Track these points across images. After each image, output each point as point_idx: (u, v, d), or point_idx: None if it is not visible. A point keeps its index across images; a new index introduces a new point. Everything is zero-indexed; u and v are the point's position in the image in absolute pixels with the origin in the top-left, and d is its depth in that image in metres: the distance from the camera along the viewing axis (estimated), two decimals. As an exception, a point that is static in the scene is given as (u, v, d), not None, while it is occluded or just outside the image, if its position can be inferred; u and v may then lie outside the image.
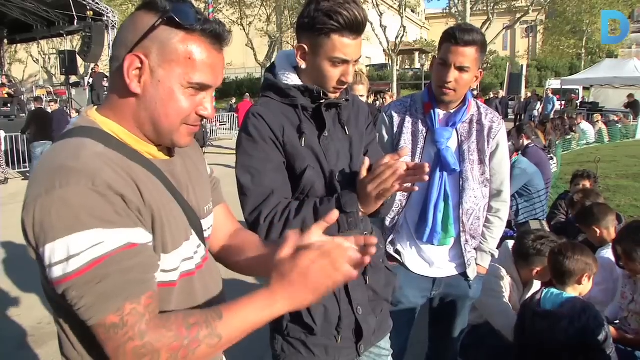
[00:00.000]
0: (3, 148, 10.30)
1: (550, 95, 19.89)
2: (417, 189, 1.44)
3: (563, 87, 22.39)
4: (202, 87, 1.01)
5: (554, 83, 23.93)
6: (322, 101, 1.51)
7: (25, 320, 3.95)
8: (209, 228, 1.21)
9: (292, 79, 1.54)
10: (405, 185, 1.39)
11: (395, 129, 2.11)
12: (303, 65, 1.50)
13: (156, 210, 0.97)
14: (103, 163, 0.91)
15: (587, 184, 4.50)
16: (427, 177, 1.34)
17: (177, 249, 1.03)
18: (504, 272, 2.69)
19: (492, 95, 18.49)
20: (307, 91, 1.51)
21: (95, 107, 1.07)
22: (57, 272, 0.85)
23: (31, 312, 4.06)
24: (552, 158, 7.37)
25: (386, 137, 2.13)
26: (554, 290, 2.29)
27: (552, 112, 18.38)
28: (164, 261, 1.00)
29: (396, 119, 2.11)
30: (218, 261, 1.29)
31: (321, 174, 1.52)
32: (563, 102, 21.53)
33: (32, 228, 0.87)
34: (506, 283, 2.67)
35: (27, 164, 11.05)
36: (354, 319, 1.57)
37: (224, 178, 1.39)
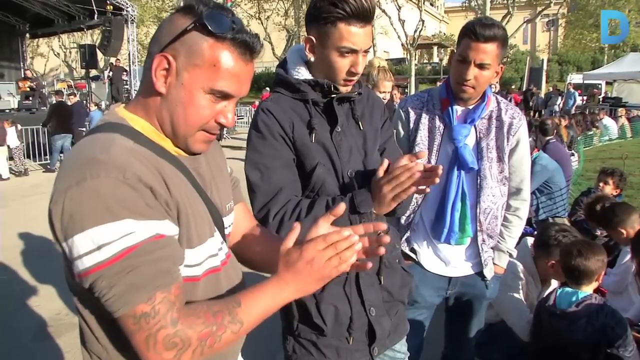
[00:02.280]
0: (20, 142, 10.45)
1: (571, 90, 19.52)
2: (429, 191, 1.40)
3: (585, 81, 21.97)
4: (224, 96, 1.01)
5: (575, 78, 23.51)
6: (333, 95, 1.48)
7: (44, 311, 4.01)
8: (229, 225, 1.22)
9: (302, 74, 1.51)
10: (418, 187, 1.36)
11: (411, 125, 2.05)
12: (312, 58, 1.47)
13: (182, 204, 0.98)
14: (133, 157, 0.93)
15: (610, 181, 4.34)
16: (437, 180, 1.31)
17: (202, 245, 1.04)
18: (521, 268, 2.65)
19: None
20: (318, 85, 1.47)
21: (124, 104, 1.09)
22: (86, 262, 0.86)
23: (50, 303, 4.13)
24: (573, 154, 7.24)
25: (402, 132, 2.08)
26: (568, 289, 2.25)
27: (573, 108, 18.05)
28: (189, 256, 1.01)
29: (412, 114, 2.06)
30: None
31: (332, 171, 1.49)
32: (585, 97, 21.12)
33: (60, 219, 0.87)
34: (523, 280, 2.63)
35: (47, 157, 11.24)
36: (367, 320, 1.53)
37: (240, 172, 1.38)
